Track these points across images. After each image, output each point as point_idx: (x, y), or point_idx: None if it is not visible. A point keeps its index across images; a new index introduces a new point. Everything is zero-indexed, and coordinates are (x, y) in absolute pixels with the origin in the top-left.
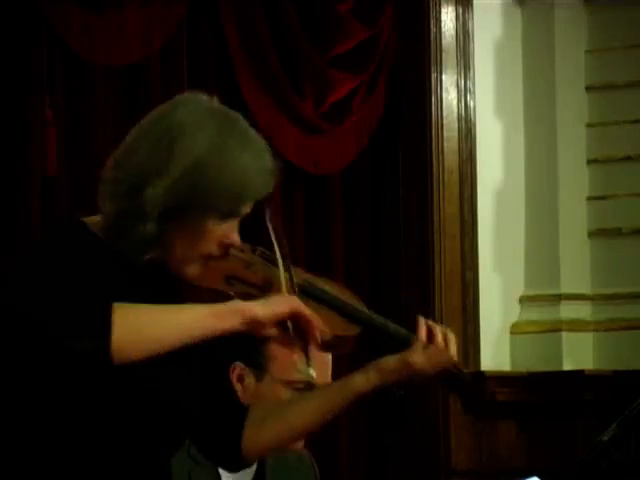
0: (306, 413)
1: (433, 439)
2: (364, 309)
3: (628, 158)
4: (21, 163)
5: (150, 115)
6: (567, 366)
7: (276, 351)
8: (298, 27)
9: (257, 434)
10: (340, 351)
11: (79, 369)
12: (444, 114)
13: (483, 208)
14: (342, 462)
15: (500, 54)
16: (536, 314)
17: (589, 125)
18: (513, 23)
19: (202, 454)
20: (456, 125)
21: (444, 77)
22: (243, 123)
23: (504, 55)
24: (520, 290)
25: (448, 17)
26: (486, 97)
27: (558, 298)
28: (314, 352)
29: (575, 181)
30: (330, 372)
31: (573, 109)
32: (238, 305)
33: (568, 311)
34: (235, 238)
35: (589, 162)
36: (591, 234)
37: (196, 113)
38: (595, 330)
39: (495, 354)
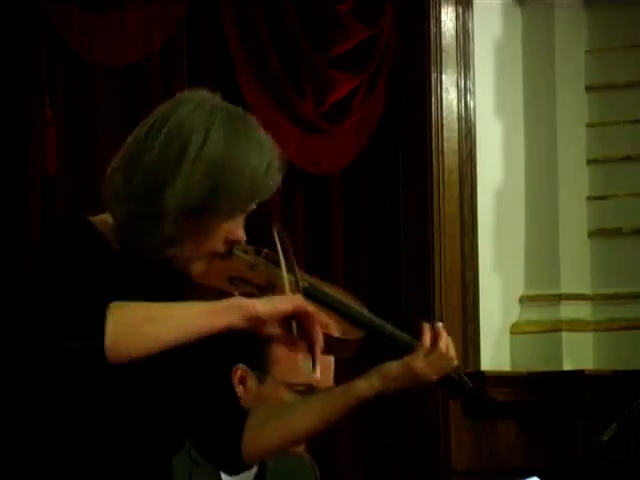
0: (308, 417)
1: (433, 439)
2: (367, 313)
3: (628, 158)
4: (21, 163)
5: (156, 113)
6: (567, 366)
7: (279, 354)
8: (298, 27)
9: (258, 436)
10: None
11: (77, 369)
12: (444, 114)
13: (483, 208)
14: (342, 462)
15: (500, 54)
16: (536, 314)
17: (589, 125)
18: (513, 23)
19: (202, 456)
20: (456, 125)
21: (444, 77)
22: (250, 119)
23: (504, 55)
24: (520, 290)
25: (448, 17)
26: (486, 97)
27: (558, 298)
28: (318, 354)
29: (575, 181)
30: (332, 375)
31: (573, 109)
32: (237, 301)
33: (568, 311)
34: (240, 234)
35: (589, 162)
36: (591, 234)
37: (203, 111)
38: (595, 330)
39: (495, 354)
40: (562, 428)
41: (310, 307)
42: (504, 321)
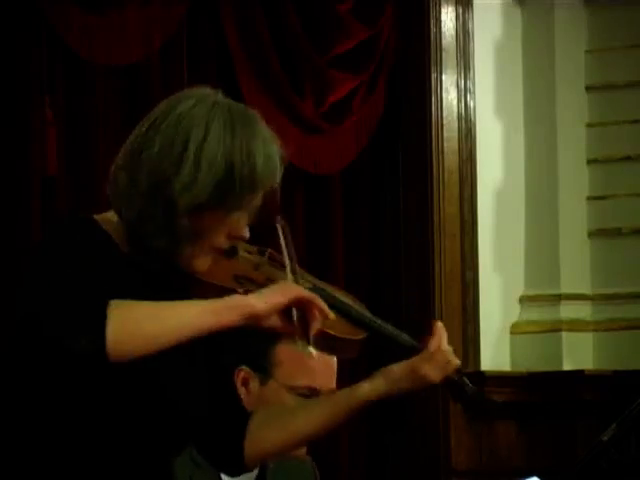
0: (311, 419)
1: (433, 439)
2: (369, 314)
3: (628, 158)
4: (21, 163)
5: (157, 110)
6: (567, 366)
7: (282, 356)
8: (298, 27)
9: (260, 438)
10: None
11: (80, 368)
12: (444, 114)
13: (483, 208)
14: (342, 462)
15: (500, 54)
16: (536, 314)
17: (589, 125)
18: (513, 23)
19: (203, 457)
20: (456, 125)
21: (444, 77)
22: (251, 113)
23: (504, 55)
24: (520, 290)
25: (448, 17)
26: (486, 97)
27: (558, 298)
28: (312, 332)
29: (575, 181)
30: (335, 377)
31: (573, 109)
32: (236, 300)
33: (568, 311)
34: (244, 231)
35: (589, 162)
36: (591, 234)
37: (204, 106)
38: (595, 330)
39: (495, 354)
40: (562, 428)
41: (306, 292)
42: (504, 321)
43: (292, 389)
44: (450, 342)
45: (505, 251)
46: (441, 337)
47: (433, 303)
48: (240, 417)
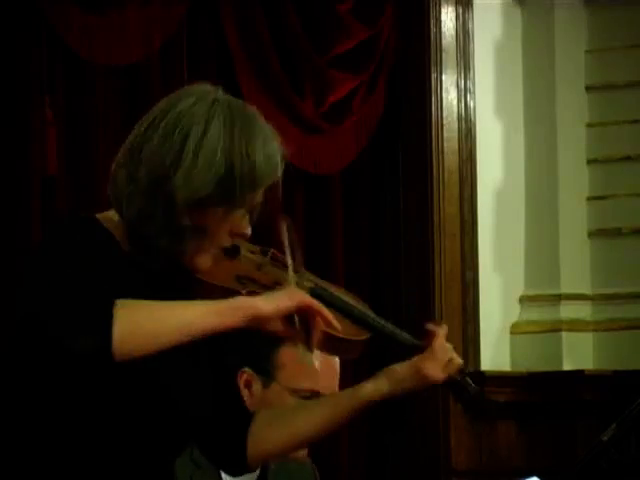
0: (314, 420)
1: (433, 439)
2: (372, 314)
3: (628, 158)
4: (21, 163)
5: (157, 107)
6: (567, 366)
7: (284, 359)
8: (298, 27)
9: (262, 439)
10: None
11: (84, 367)
12: (444, 114)
13: (483, 208)
14: (342, 462)
15: (500, 54)
16: (536, 314)
17: (589, 125)
18: (513, 23)
19: (206, 457)
20: (456, 125)
21: (444, 77)
22: (251, 110)
23: (504, 55)
24: (520, 290)
25: (448, 17)
26: (486, 97)
27: (558, 298)
28: (314, 339)
29: (575, 181)
30: (337, 378)
31: (573, 109)
32: (241, 301)
33: (568, 311)
34: (246, 228)
35: (589, 162)
36: (591, 234)
37: (204, 103)
38: (595, 330)
39: (495, 354)
40: (562, 428)
41: (312, 300)
42: (504, 321)
43: (295, 392)
44: (450, 342)
45: (505, 251)
46: (443, 336)
47: (433, 303)
48: (243, 417)
